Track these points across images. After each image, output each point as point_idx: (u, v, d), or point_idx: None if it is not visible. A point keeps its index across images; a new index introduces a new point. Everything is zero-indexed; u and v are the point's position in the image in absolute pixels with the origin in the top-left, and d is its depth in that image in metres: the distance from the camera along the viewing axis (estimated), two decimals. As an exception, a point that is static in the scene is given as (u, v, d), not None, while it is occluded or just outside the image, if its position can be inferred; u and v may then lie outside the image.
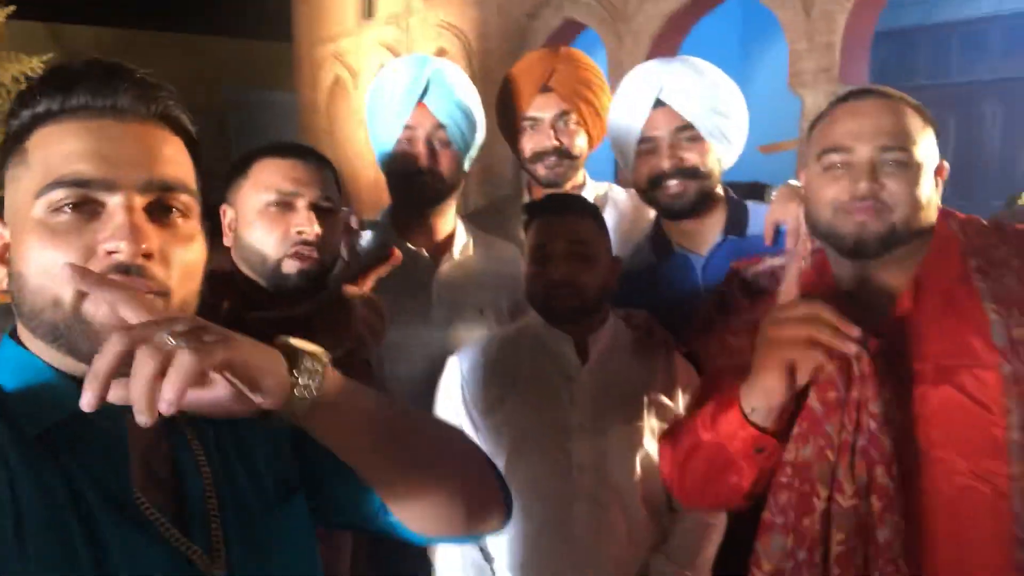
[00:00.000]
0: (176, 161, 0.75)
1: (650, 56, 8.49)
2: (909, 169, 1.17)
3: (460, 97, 1.74)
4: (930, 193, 1.20)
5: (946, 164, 1.25)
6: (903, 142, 1.17)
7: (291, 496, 0.87)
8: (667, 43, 8.37)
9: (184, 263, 0.74)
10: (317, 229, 1.32)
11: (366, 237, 1.81)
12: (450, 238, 1.82)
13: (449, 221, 1.84)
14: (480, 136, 1.83)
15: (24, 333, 0.73)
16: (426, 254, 1.77)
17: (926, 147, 1.20)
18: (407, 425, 0.87)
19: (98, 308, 0.68)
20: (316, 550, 0.89)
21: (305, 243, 1.32)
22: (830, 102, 1.28)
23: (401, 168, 1.73)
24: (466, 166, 1.81)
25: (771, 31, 7.99)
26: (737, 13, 10.14)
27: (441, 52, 11.81)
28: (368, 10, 13.82)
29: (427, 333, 1.73)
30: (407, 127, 1.70)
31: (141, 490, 0.73)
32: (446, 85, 1.72)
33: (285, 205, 1.33)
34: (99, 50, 15.71)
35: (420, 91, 1.69)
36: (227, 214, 1.39)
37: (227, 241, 1.39)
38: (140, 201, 0.70)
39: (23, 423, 0.68)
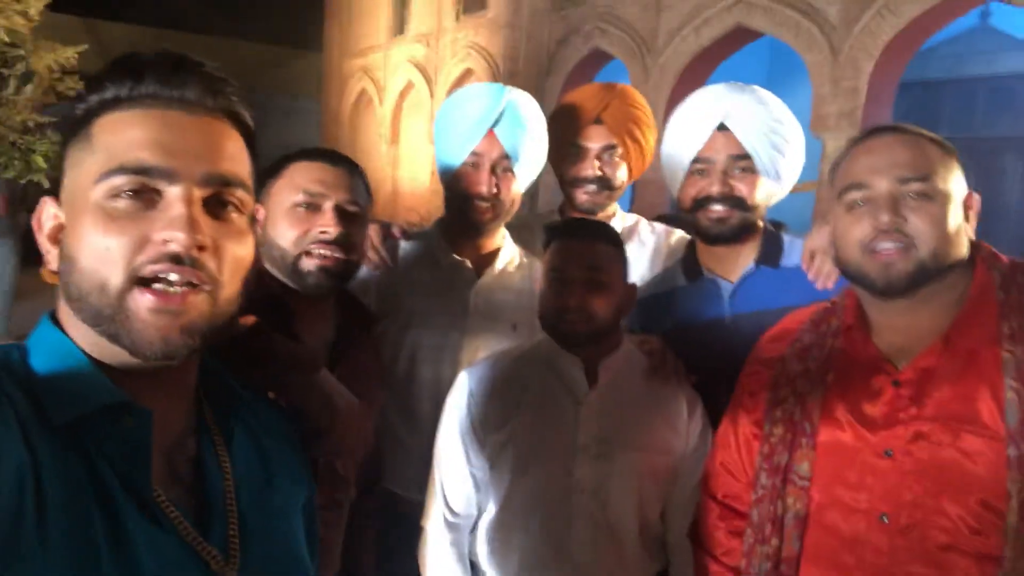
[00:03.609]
0: (236, 157, 0.76)
1: (675, 91, 8.56)
2: (932, 200, 1.14)
3: (529, 130, 1.80)
4: (958, 225, 1.16)
5: (976, 195, 1.21)
6: (922, 172, 1.15)
7: (295, 512, 0.90)
8: (693, 79, 8.43)
9: (235, 257, 0.75)
10: (339, 229, 1.35)
11: (402, 246, 1.88)
12: (495, 252, 1.88)
13: (497, 238, 1.90)
14: (540, 165, 1.89)
15: (66, 316, 0.73)
16: (469, 265, 1.82)
17: (950, 177, 1.16)
18: None
19: (139, 307, 0.68)
20: (312, 564, 0.92)
21: (326, 243, 1.34)
22: (848, 143, 1.27)
23: (462, 190, 1.78)
24: (522, 191, 1.86)
25: (797, 73, 8.04)
26: (764, 54, 10.22)
27: (468, 73, 11.95)
28: (400, 27, 14.01)
29: (459, 340, 1.77)
30: (474, 153, 1.76)
31: (162, 487, 0.73)
32: (519, 117, 1.78)
33: (312, 206, 1.37)
34: (132, 48, 15.96)
35: (493, 120, 1.75)
36: (260, 212, 1.42)
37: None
38: (199, 194, 0.71)
39: (51, 410, 0.68)
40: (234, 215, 0.76)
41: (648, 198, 8.50)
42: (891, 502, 1.14)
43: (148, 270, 0.68)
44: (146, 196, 0.70)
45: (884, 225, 1.14)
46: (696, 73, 8.53)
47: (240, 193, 0.76)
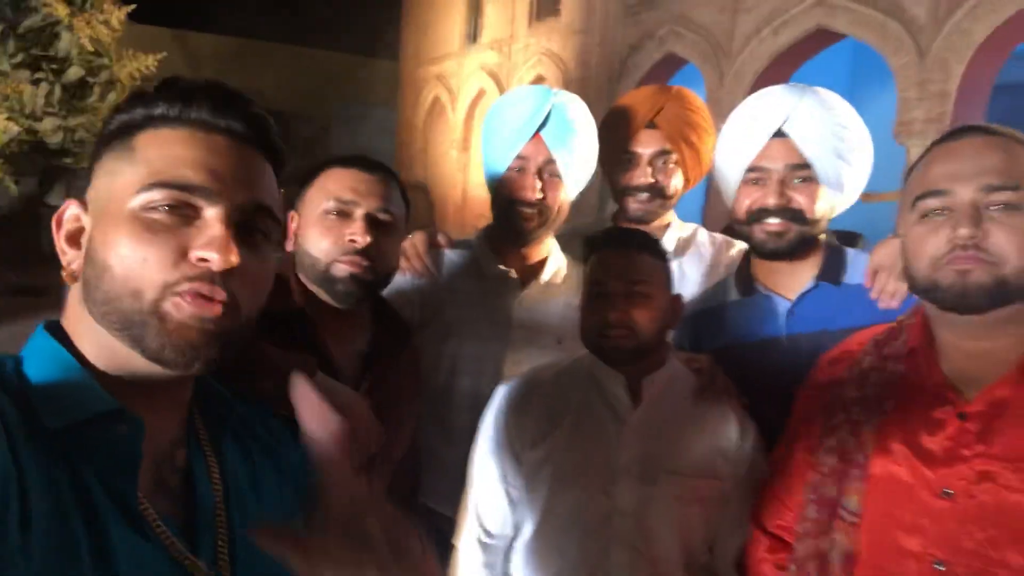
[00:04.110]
0: (271, 188, 0.80)
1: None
2: (1021, 213, 1.00)
3: (577, 133, 1.73)
4: None
5: None
6: (1013, 180, 1.00)
7: (290, 522, 0.87)
8: (770, 83, 8.14)
9: (257, 281, 0.77)
10: (368, 239, 1.30)
11: (448, 256, 1.83)
12: (543, 263, 1.82)
13: (545, 248, 1.84)
14: (590, 171, 1.82)
15: (75, 321, 0.74)
16: (515, 275, 1.77)
17: None
18: None
19: (176, 310, 0.70)
20: None
21: (356, 252, 1.30)
22: (928, 145, 1.14)
23: (508, 195, 1.73)
24: (572, 198, 1.80)
25: (882, 77, 7.70)
26: (847, 57, 9.84)
27: (539, 79, 11.94)
28: (473, 34, 14.11)
29: (502, 353, 1.72)
30: (520, 157, 1.71)
31: (149, 499, 0.73)
32: (565, 120, 1.72)
33: (343, 214, 1.34)
34: (217, 56, 16.62)
35: (539, 123, 1.70)
36: (294, 220, 1.41)
37: (289, 246, 1.41)
38: (235, 217, 0.74)
39: (42, 417, 0.68)
40: (262, 241, 0.78)
41: (721, 207, 8.28)
42: (948, 548, 1.02)
43: (180, 288, 0.71)
44: (182, 212, 0.72)
45: (963, 239, 1.01)
46: (773, 77, 8.25)
47: (271, 222, 0.79)
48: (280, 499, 0.88)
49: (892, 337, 1.22)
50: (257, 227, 0.77)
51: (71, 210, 0.76)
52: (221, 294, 0.72)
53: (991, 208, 1.02)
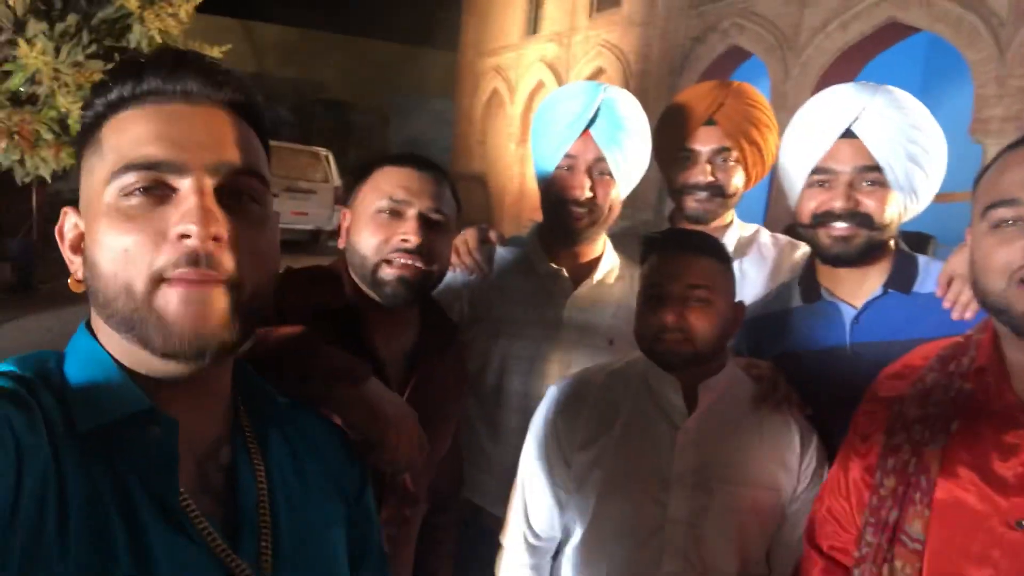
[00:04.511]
0: (245, 146, 0.74)
1: (816, 92, 8.09)
2: None
3: (628, 130, 1.69)
4: None
5: None
6: None
7: (334, 525, 0.87)
8: (838, 78, 7.92)
9: (255, 249, 0.72)
10: (420, 238, 1.30)
11: (499, 252, 1.81)
12: (595, 261, 1.78)
13: (597, 247, 1.80)
14: (643, 169, 1.77)
15: (98, 323, 0.73)
16: (566, 274, 1.74)
17: None
18: None
19: (168, 302, 0.67)
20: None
21: (407, 251, 1.30)
22: (1001, 149, 1.08)
23: (557, 194, 1.70)
24: (623, 196, 1.76)
25: (958, 71, 7.40)
26: (920, 52, 9.48)
27: (599, 71, 11.83)
28: (533, 26, 14.06)
29: (552, 352, 1.70)
30: (569, 155, 1.67)
31: (192, 497, 0.72)
32: (615, 117, 1.68)
33: (396, 213, 1.33)
34: (280, 47, 16.93)
35: (587, 121, 1.66)
36: (346, 218, 1.41)
37: (341, 244, 1.41)
38: (210, 184, 0.69)
39: (78, 418, 0.67)
40: (250, 205, 0.73)
41: (785, 206, 8.09)
42: None
43: (168, 275, 0.67)
44: (159, 192, 0.69)
45: None
46: (841, 72, 8.01)
47: (253, 182, 0.74)
48: (325, 498, 0.87)
49: (959, 352, 1.16)
50: (240, 191, 0.72)
51: (69, 219, 0.74)
52: (213, 275, 0.67)
53: None
